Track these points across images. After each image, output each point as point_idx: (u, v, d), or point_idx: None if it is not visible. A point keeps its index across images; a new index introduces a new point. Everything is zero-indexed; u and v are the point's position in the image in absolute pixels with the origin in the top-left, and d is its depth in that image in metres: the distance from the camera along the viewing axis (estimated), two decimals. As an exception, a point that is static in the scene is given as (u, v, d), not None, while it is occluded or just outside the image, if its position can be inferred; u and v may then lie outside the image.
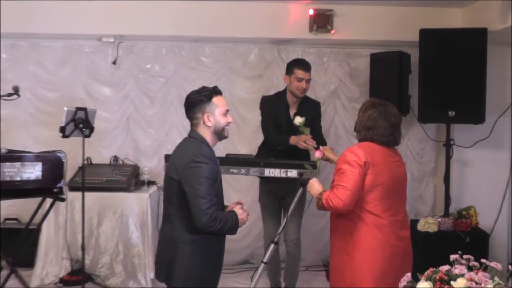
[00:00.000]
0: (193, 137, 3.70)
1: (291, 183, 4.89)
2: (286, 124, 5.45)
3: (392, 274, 3.66)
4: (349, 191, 3.65)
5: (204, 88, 3.73)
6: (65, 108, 5.37)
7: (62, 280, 6.04)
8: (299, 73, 5.41)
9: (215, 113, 3.69)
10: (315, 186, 4.09)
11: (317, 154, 4.51)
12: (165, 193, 3.74)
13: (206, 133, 3.69)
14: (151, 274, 5.96)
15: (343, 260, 3.84)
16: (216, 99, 3.71)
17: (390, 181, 3.81)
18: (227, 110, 3.78)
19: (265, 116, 5.65)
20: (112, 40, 6.62)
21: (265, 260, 4.88)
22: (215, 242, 3.70)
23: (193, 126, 3.73)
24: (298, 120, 4.91)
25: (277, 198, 5.59)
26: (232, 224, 3.61)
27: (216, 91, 3.74)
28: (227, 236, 3.81)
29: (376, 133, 3.87)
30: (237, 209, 3.76)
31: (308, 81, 5.45)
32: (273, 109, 5.58)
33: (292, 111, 5.52)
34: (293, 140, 5.18)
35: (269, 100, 5.70)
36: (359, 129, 3.96)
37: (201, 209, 3.43)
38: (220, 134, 3.75)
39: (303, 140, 5.02)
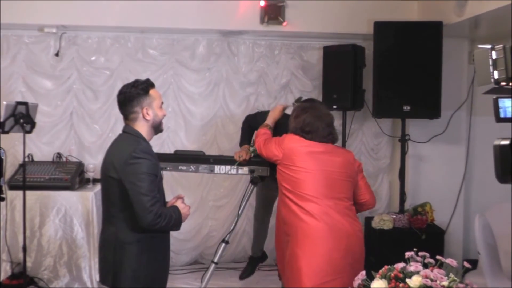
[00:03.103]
0: (129, 133, 3.61)
1: None
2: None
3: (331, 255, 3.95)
4: (263, 145, 4.44)
5: (138, 81, 3.64)
6: (4, 102, 5.22)
7: (1, 284, 5.83)
8: None
9: (153, 106, 3.63)
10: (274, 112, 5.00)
11: None
12: (104, 194, 3.66)
13: (143, 128, 3.61)
14: (97, 276, 5.75)
15: (284, 240, 4.18)
16: (152, 92, 3.65)
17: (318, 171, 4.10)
18: (162, 103, 3.72)
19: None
20: (54, 30, 6.45)
21: (215, 260, 4.93)
22: (160, 240, 3.65)
23: (129, 121, 3.63)
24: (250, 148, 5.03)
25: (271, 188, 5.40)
26: (176, 219, 3.54)
27: (150, 84, 3.66)
28: (176, 236, 3.70)
29: (315, 135, 4.14)
30: (179, 204, 3.67)
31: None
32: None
33: None
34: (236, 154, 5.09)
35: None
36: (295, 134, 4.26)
37: (145, 207, 3.34)
38: (157, 128, 3.69)
39: (239, 155, 4.95)
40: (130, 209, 3.41)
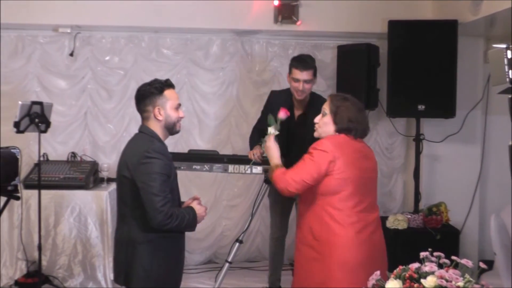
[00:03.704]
0: (144, 132, 3.62)
1: None
2: (287, 125, 4.76)
3: (367, 269, 3.44)
4: (301, 181, 3.63)
5: (155, 81, 3.65)
6: (20, 102, 5.20)
7: (17, 283, 5.86)
8: (295, 72, 5.02)
9: (166, 107, 3.61)
10: (272, 149, 3.99)
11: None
12: (118, 193, 3.67)
13: (156, 128, 3.61)
14: (111, 275, 5.80)
15: (311, 257, 3.72)
16: (167, 92, 3.63)
17: (358, 175, 3.68)
18: (179, 104, 3.72)
19: (263, 112, 5.39)
20: (69, 30, 6.47)
21: (229, 259, 4.91)
22: (173, 241, 3.61)
23: (144, 120, 3.65)
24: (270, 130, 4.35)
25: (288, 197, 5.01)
26: (189, 220, 3.53)
27: (168, 84, 3.65)
28: (190, 236, 3.69)
29: (364, 128, 3.80)
30: (194, 205, 3.67)
31: (307, 81, 5.01)
32: (275, 106, 4.85)
33: (297, 112, 5.21)
34: (250, 153, 4.97)
35: (275, 96, 5.38)
36: (346, 122, 3.72)
37: (155, 207, 3.34)
38: (171, 129, 3.67)
39: (253, 153, 4.87)
40: (141, 208, 3.41)
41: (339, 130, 3.72)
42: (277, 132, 4.08)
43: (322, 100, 4.65)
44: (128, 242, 3.52)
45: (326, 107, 3.79)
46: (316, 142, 3.71)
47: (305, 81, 5.00)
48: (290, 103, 5.15)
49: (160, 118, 3.57)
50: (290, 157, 4.51)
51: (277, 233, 5.55)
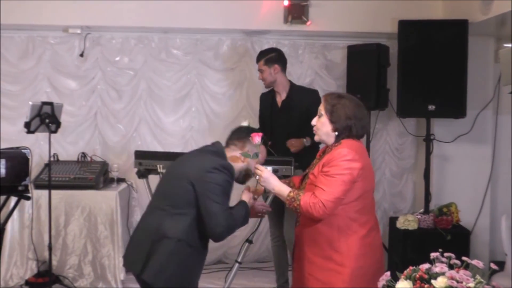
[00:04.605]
0: (217, 151, 3.71)
1: None
2: (270, 110, 5.62)
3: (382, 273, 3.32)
4: (336, 199, 3.30)
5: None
6: (30, 102, 5.23)
7: (27, 282, 5.89)
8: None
9: (252, 161, 3.68)
10: (271, 181, 3.52)
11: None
12: (164, 186, 3.70)
13: (235, 161, 3.69)
14: (121, 275, 5.86)
15: (331, 269, 3.43)
16: (262, 149, 3.74)
17: (372, 181, 3.59)
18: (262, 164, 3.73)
19: (259, 116, 5.81)
20: (79, 31, 6.50)
21: (239, 259, 4.94)
22: (198, 252, 3.63)
23: (227, 145, 3.79)
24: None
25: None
26: (242, 219, 3.68)
27: (265, 141, 3.77)
28: None
29: (364, 125, 3.56)
30: (246, 197, 3.76)
31: (260, 71, 5.56)
32: (262, 107, 5.74)
33: (279, 99, 5.59)
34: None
35: (262, 98, 5.84)
36: (345, 120, 3.47)
37: (217, 223, 3.44)
38: (241, 177, 3.77)
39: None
40: (185, 210, 3.47)
41: (337, 130, 3.47)
42: (259, 158, 3.66)
43: (306, 89, 5.72)
44: (155, 233, 3.50)
45: (321, 108, 3.54)
46: (333, 156, 3.38)
47: (259, 71, 5.58)
48: (273, 94, 5.64)
49: (242, 161, 3.68)
50: (275, 140, 5.28)
51: (275, 232, 5.60)
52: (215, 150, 3.69)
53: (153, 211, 3.64)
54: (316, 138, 3.58)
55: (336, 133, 3.48)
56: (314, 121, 3.57)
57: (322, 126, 3.51)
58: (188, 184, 3.45)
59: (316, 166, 3.49)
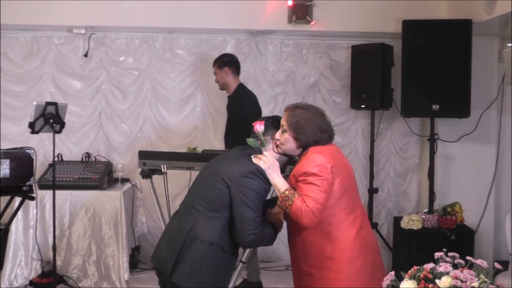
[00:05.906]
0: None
1: None
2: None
3: (379, 269, 3.48)
4: (322, 206, 3.27)
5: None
6: (34, 103, 5.22)
7: (32, 283, 5.89)
8: None
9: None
10: (272, 170, 3.42)
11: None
12: (201, 187, 3.62)
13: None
14: (125, 275, 5.86)
15: (328, 277, 3.41)
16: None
17: (351, 179, 3.54)
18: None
19: None
20: (83, 31, 6.51)
21: (243, 259, 4.90)
22: (229, 259, 3.60)
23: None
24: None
25: None
26: (272, 236, 3.55)
27: None
28: None
29: (330, 134, 3.53)
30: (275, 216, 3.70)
31: (214, 74, 6.00)
32: None
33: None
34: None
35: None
36: (310, 136, 3.43)
37: (248, 229, 3.39)
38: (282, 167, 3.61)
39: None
40: (219, 212, 3.45)
41: (303, 146, 3.44)
42: (266, 147, 3.57)
43: (240, 91, 5.96)
44: (189, 234, 3.46)
45: (284, 123, 3.46)
46: (303, 165, 3.37)
47: (214, 74, 6.02)
48: None
49: (275, 153, 3.59)
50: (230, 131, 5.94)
51: None
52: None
53: (188, 211, 3.57)
54: (280, 151, 3.52)
55: (301, 149, 3.48)
56: (277, 135, 3.50)
57: (287, 142, 3.47)
58: (224, 186, 3.44)
59: (291, 175, 3.50)
